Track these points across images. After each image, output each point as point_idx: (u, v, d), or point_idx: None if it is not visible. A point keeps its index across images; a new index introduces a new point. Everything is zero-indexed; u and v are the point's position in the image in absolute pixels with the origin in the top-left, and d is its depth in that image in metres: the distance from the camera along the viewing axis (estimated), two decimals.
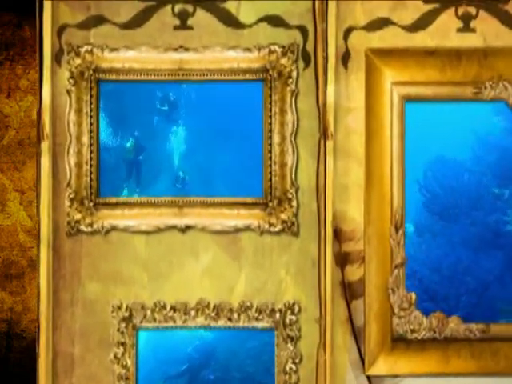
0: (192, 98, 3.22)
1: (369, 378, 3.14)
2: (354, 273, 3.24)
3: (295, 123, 3.19)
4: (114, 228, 3.23)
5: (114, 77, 3.20)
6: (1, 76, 3.31)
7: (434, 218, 3.27)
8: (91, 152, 3.21)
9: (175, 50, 3.20)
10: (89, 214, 3.22)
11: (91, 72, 3.19)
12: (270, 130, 3.18)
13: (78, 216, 3.23)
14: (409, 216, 3.21)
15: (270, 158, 3.21)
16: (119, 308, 3.24)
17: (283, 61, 3.17)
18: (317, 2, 3.09)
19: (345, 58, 3.24)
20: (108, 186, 3.29)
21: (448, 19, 3.23)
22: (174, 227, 3.24)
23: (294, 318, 3.24)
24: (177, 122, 3.27)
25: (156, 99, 3.25)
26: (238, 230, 3.23)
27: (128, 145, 3.24)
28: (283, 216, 3.22)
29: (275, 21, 3.19)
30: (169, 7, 3.17)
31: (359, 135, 3.23)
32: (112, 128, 3.28)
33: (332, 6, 3.09)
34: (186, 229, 3.24)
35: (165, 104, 3.26)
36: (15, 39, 3.26)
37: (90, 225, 3.24)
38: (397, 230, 3.24)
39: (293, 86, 3.19)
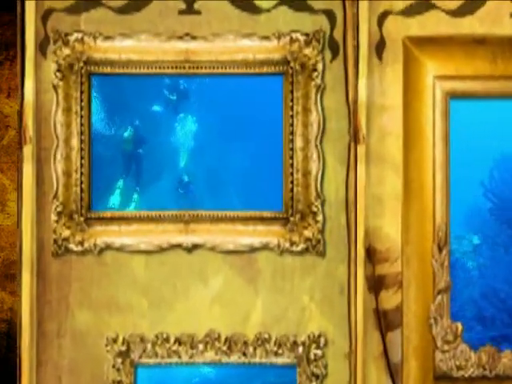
0: (202, 93, 3.13)
1: None
2: (389, 300, 2.97)
3: (321, 124, 2.95)
4: (108, 247, 2.98)
5: (108, 70, 2.96)
6: (1, 76, 3.28)
7: (502, 228, 2.99)
8: (82, 158, 2.96)
9: (180, 38, 2.95)
10: (79, 231, 2.98)
11: (82, 64, 2.94)
12: (292, 133, 2.95)
13: (66, 233, 2.98)
14: (473, 225, 2.96)
15: (292, 164, 2.96)
16: (115, 341, 2.98)
17: (307, 51, 2.93)
18: None
19: (379, 48, 2.97)
20: (102, 197, 3.09)
21: (500, 2, 2.94)
22: (178, 246, 2.99)
23: (319, 352, 2.98)
24: (185, 115, 3.11)
25: (163, 87, 3.15)
26: (253, 250, 2.98)
27: (126, 134, 3.07)
28: (307, 233, 2.98)
29: (298, 4, 2.94)
30: None
31: (396, 138, 2.97)
32: (107, 123, 3.08)
33: None
34: (192, 248, 2.99)
35: (173, 93, 3.15)
36: (15, 39, 3.08)
37: (81, 243, 2.99)
38: (440, 250, 2.95)
39: (318, 81, 2.94)
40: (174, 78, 3.09)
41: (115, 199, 3.13)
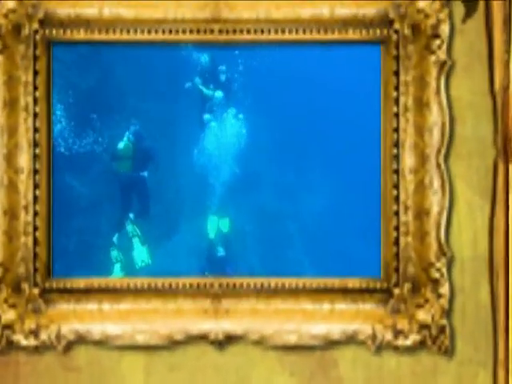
0: (249, 77, 2.61)
1: None
2: None
3: (447, 128, 2.32)
4: (81, 340, 2.36)
5: (80, 35, 2.29)
6: None
7: None
8: (36, 186, 2.32)
9: None
10: (31, 312, 2.36)
11: (36, 25, 2.33)
12: (397, 143, 2.32)
13: (9, 315, 2.36)
14: None
15: (397, 197, 2.34)
16: None
17: (422, 3, 2.30)
18: None
19: None
20: (72, 254, 2.50)
21: None
22: (202, 338, 2.35)
23: None
24: (224, 117, 2.63)
25: (193, 70, 2.70)
26: (331, 345, 2.36)
27: (121, 147, 2.67)
28: (422, 315, 2.34)
29: None
30: None
31: None
32: (81, 127, 2.67)
33: None
34: (226, 341, 2.35)
35: (209, 83, 2.62)
36: None
37: (34, 333, 2.36)
38: None
39: (442, 55, 2.31)
40: (204, 53, 2.63)
41: (98, 257, 2.60)
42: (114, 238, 2.55)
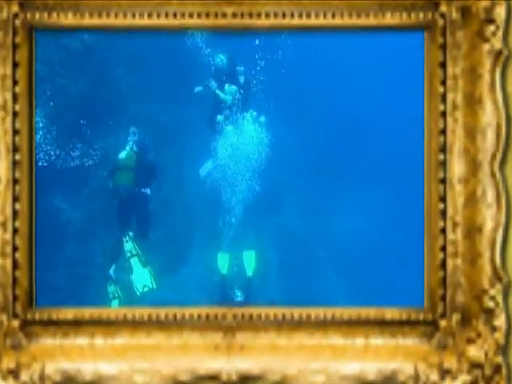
0: (272, 75, 2.57)
1: None
2: None
3: (503, 131, 2.08)
4: (69, 381, 2.09)
5: (68, 20, 2.04)
6: None
7: None
8: (16, 199, 2.08)
9: None
10: (10, 348, 2.11)
11: (15, 9, 2.09)
12: (443, 148, 2.07)
13: None
14: None
15: (444, 212, 2.08)
16: None
17: None
18: None
19: None
20: (58, 281, 2.58)
21: None
22: (213, 378, 2.08)
23: None
24: (240, 122, 2.43)
25: (206, 71, 2.57)
26: None
27: (122, 157, 2.55)
28: (474, 352, 2.08)
29: None
30: None
31: None
32: (70, 133, 2.64)
33: None
34: (240, 382, 2.08)
35: (222, 85, 2.48)
36: None
37: (14, 373, 2.10)
38: None
39: (497, 43, 2.06)
40: (222, 53, 2.51)
41: (91, 293, 2.49)
42: (111, 271, 2.27)
